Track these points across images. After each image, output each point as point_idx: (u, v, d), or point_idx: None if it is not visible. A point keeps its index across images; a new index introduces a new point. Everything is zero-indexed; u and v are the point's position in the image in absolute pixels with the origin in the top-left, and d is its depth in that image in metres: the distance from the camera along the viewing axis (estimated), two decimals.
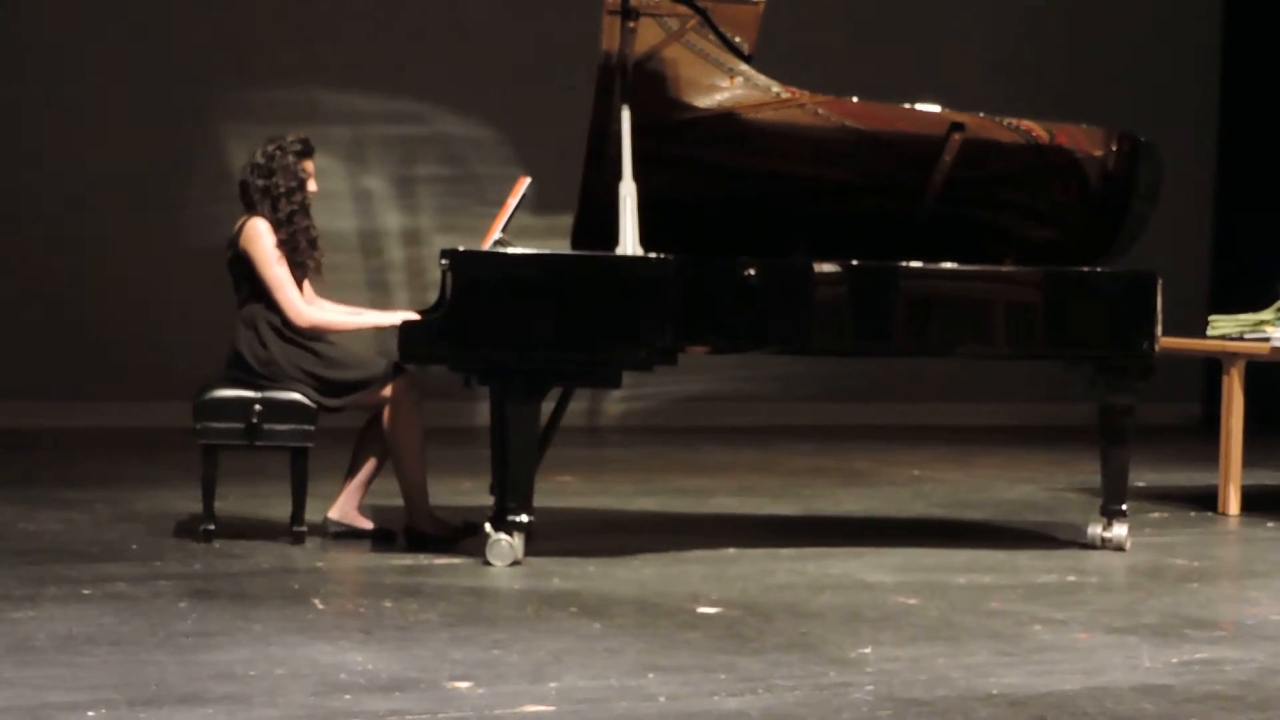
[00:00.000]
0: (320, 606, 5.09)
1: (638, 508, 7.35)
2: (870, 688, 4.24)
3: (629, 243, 5.82)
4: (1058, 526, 6.95)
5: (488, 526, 5.88)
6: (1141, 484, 8.06)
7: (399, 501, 6.20)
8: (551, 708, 4.00)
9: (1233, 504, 7.37)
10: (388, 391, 6.04)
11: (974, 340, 6.26)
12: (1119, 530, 6.37)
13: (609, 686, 4.20)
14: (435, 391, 6.76)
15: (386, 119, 10.56)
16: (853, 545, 6.35)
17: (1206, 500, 7.58)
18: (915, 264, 6.12)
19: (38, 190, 9.93)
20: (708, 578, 5.66)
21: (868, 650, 4.64)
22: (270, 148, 6.15)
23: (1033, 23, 11.93)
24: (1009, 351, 6.36)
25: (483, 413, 7.43)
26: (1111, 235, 6.46)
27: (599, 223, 6.08)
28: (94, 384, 9.93)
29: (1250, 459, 7.61)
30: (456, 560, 5.86)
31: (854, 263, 6.04)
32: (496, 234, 6.09)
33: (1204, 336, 7.50)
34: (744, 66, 6.08)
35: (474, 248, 5.98)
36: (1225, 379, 7.35)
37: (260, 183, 6.10)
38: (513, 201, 6.15)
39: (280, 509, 6.28)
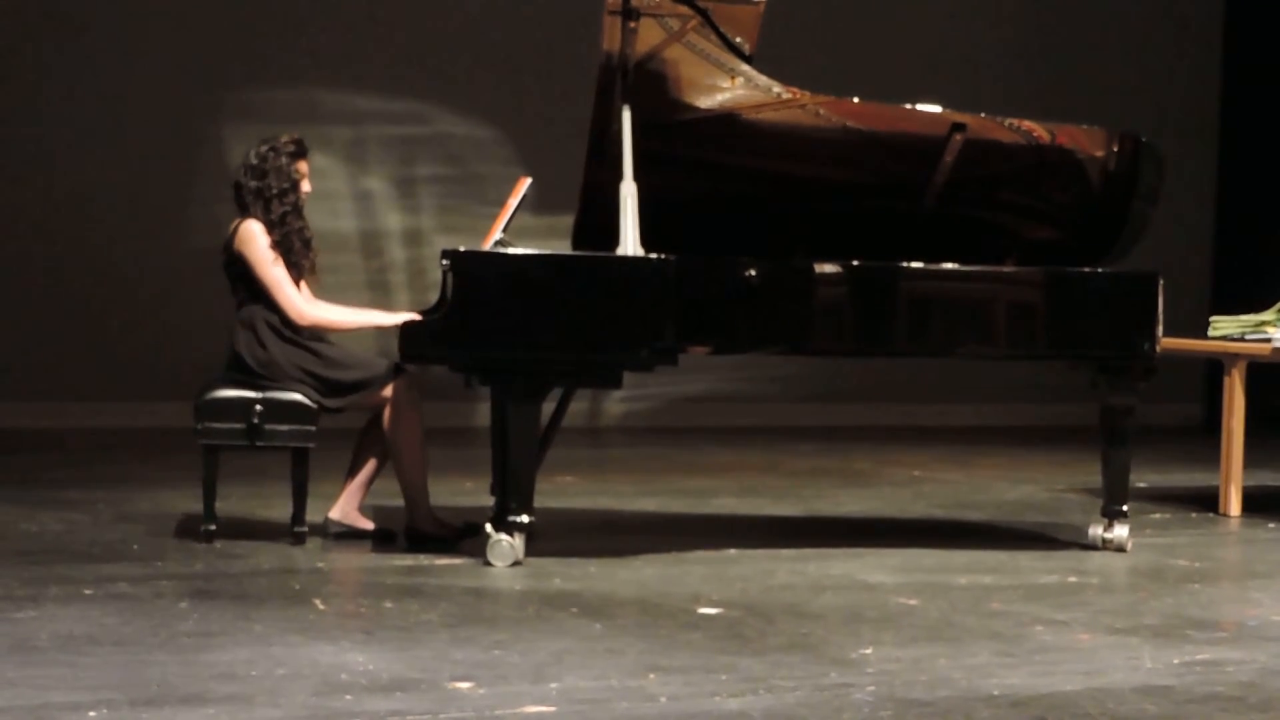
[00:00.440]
0: (321, 607, 5.09)
1: (639, 508, 7.35)
2: (871, 688, 4.24)
3: (630, 243, 5.82)
4: (1059, 527, 6.95)
5: (488, 527, 5.88)
6: (1143, 485, 8.06)
7: (400, 502, 6.20)
8: (552, 708, 4.00)
9: (1234, 505, 7.37)
10: (388, 392, 6.04)
11: (975, 341, 6.26)
12: (1120, 531, 6.37)
13: (610, 687, 4.20)
14: (436, 392, 6.76)
15: (387, 119, 10.56)
16: (854, 546, 6.35)
17: (1208, 501, 7.58)
18: (916, 264, 6.12)
19: (40, 191, 9.94)
20: (709, 578, 5.66)
21: (869, 651, 4.64)
22: (263, 149, 6.14)
23: (1034, 23, 11.94)
24: (1010, 352, 6.36)
25: (483, 413, 7.44)
26: (1113, 236, 6.46)
27: (600, 223, 6.08)
28: (95, 384, 9.94)
29: (1251, 460, 7.61)
30: (457, 561, 5.86)
31: (855, 263, 6.04)
32: (497, 234, 6.08)
33: (1205, 337, 7.50)
34: (745, 67, 6.07)
35: (475, 248, 5.98)
36: (1226, 380, 7.35)
37: (253, 184, 6.10)
38: (513, 202, 6.15)
39: (281, 509, 6.28)
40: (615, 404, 10.99)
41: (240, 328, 6.07)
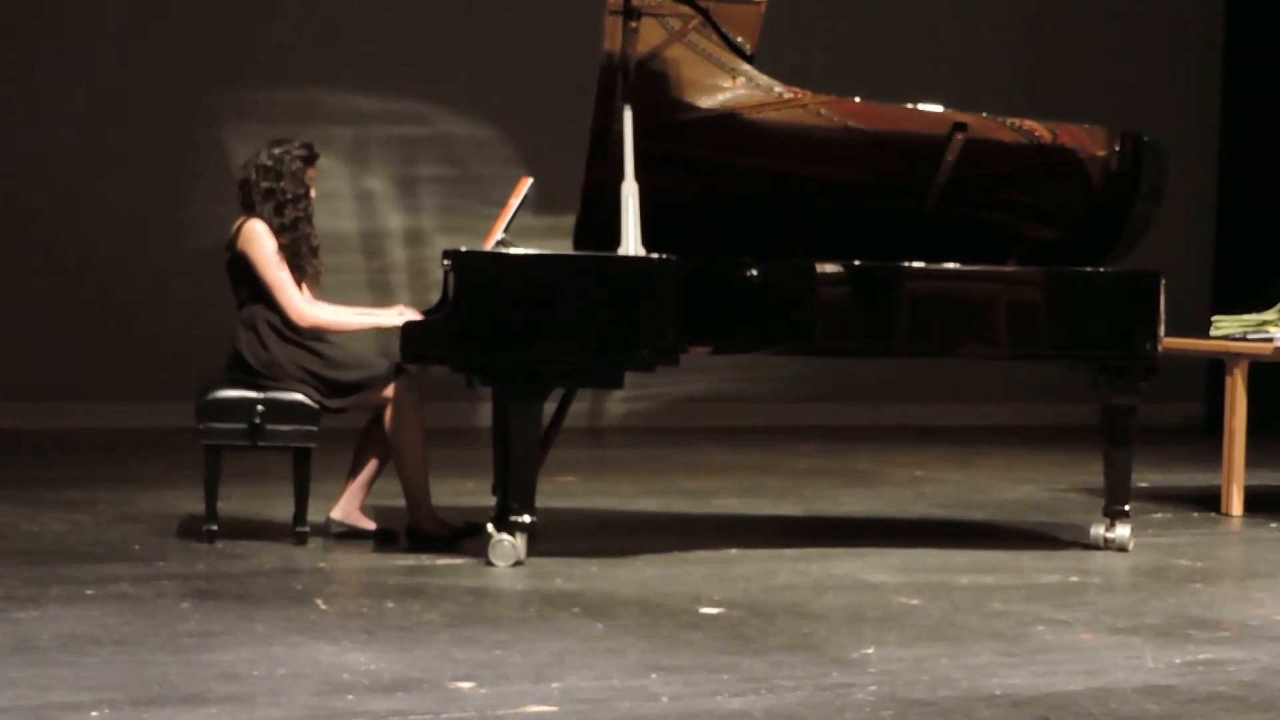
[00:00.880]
0: (323, 607, 5.09)
1: (640, 508, 7.35)
2: (873, 688, 4.23)
3: (631, 243, 5.81)
4: (1060, 527, 6.95)
5: (490, 527, 5.88)
6: (1144, 484, 8.06)
7: (401, 502, 6.20)
8: (554, 708, 3.99)
9: (1236, 505, 7.37)
10: (389, 392, 6.04)
11: (976, 340, 6.26)
12: (1122, 531, 6.37)
13: (611, 687, 4.20)
14: (437, 392, 6.77)
15: (388, 119, 10.56)
16: (855, 546, 6.35)
17: (1209, 501, 7.58)
18: (918, 264, 6.12)
19: (40, 191, 9.93)
20: (710, 578, 5.66)
21: (870, 651, 4.64)
22: (278, 150, 6.13)
23: (1035, 23, 11.94)
24: (1011, 352, 6.35)
25: (485, 413, 7.44)
26: (1115, 235, 6.46)
27: (601, 223, 6.08)
28: (96, 384, 9.93)
29: (1253, 459, 7.60)
30: (459, 561, 5.86)
31: (856, 263, 6.04)
32: (499, 234, 6.08)
33: (1207, 337, 7.50)
34: (746, 66, 6.07)
35: (476, 248, 5.98)
36: (1228, 379, 7.35)
37: (265, 185, 6.09)
38: (515, 202, 6.15)
39: (283, 509, 6.28)
40: (617, 404, 10.98)
41: (242, 328, 6.07)
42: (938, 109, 6.33)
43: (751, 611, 5.12)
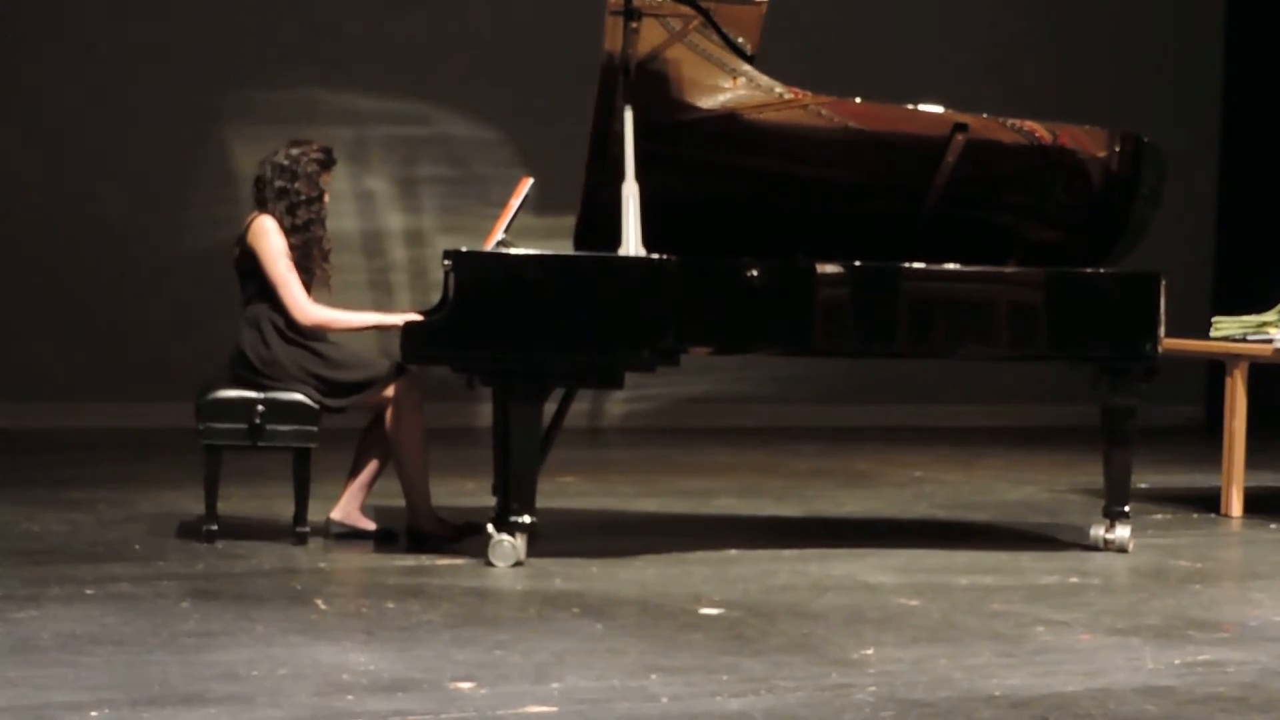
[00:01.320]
0: (323, 607, 5.09)
1: (640, 509, 7.35)
2: (872, 689, 4.24)
3: (631, 243, 5.82)
4: (1060, 528, 6.95)
5: (490, 527, 5.88)
6: (1144, 485, 8.06)
7: (401, 502, 6.20)
8: (554, 708, 4.00)
9: (1235, 506, 7.37)
10: (390, 392, 6.04)
11: (976, 341, 6.26)
12: (1121, 532, 6.37)
13: (611, 687, 4.20)
14: (437, 392, 6.76)
15: (389, 120, 10.56)
16: (855, 546, 6.35)
17: (1209, 502, 7.58)
18: (918, 265, 6.12)
19: (40, 191, 9.94)
20: (710, 579, 5.66)
21: (870, 651, 4.64)
22: (295, 151, 6.13)
23: (1034, 23, 11.93)
24: (1011, 353, 6.36)
25: (485, 413, 7.44)
26: (1115, 236, 6.46)
27: (601, 223, 6.08)
28: (97, 384, 9.93)
29: (1253, 461, 7.61)
30: (459, 561, 5.86)
31: (856, 263, 6.04)
32: (499, 235, 6.09)
33: (1207, 338, 7.50)
34: (746, 67, 6.07)
35: (476, 248, 5.98)
36: (1228, 380, 7.35)
37: (279, 184, 6.09)
38: (515, 202, 6.15)
39: (283, 509, 6.28)
40: (617, 405, 10.98)
41: (246, 325, 6.07)
42: (938, 110, 6.33)
43: (751, 612, 5.12)
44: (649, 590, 5.44)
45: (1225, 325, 7.45)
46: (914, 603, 5.35)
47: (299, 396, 5.98)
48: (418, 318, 5.93)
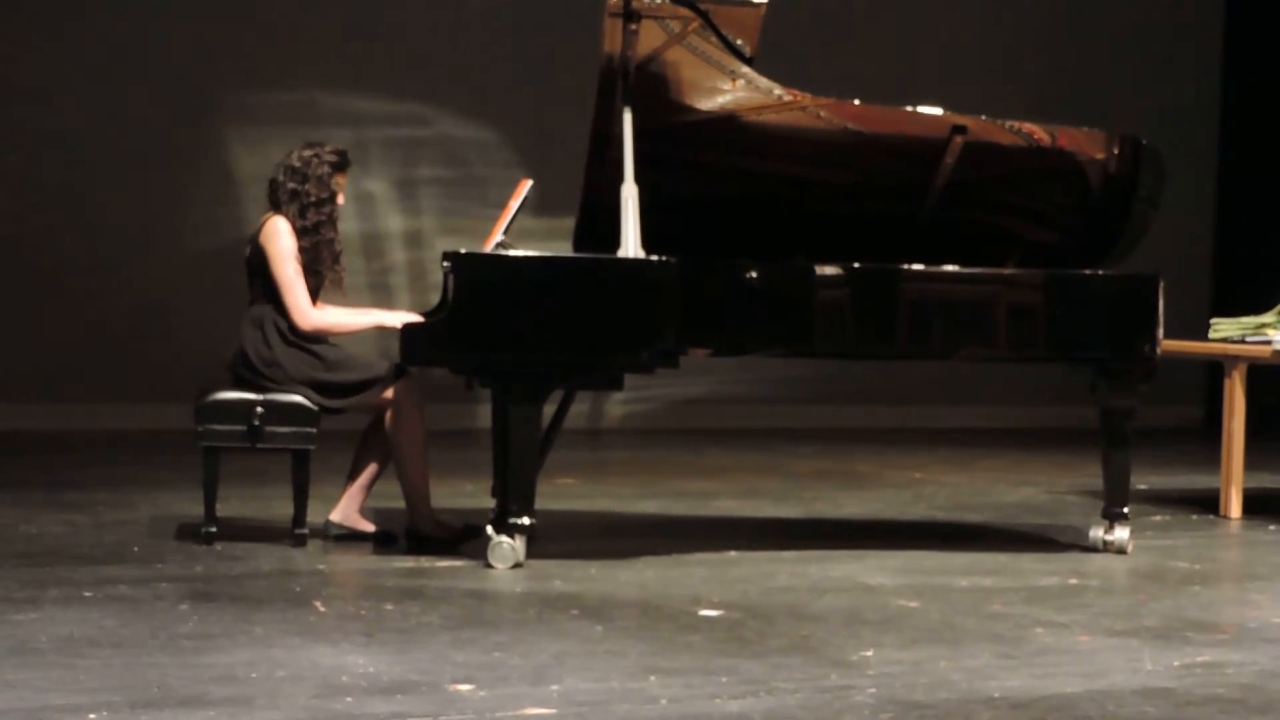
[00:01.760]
0: (322, 609, 5.09)
1: (639, 510, 7.35)
2: (872, 690, 4.24)
3: (631, 245, 5.81)
4: (1059, 529, 6.95)
5: (489, 529, 5.88)
6: (1143, 487, 8.06)
7: (400, 504, 6.20)
8: (553, 710, 3.99)
9: (1234, 507, 7.37)
10: (390, 393, 6.04)
11: (975, 343, 6.26)
12: (1120, 533, 6.37)
13: (610, 689, 4.20)
14: (437, 393, 6.76)
15: (388, 121, 10.56)
16: (854, 548, 6.35)
17: (1208, 503, 7.58)
18: (917, 266, 6.12)
19: (40, 192, 9.94)
20: (709, 580, 5.66)
21: (869, 653, 4.64)
22: (308, 153, 6.14)
23: (1034, 25, 11.94)
24: (1010, 354, 6.36)
25: (484, 415, 7.44)
26: (1113, 238, 6.46)
27: (601, 225, 6.08)
28: (95, 386, 9.94)
29: (1251, 462, 7.61)
30: (458, 563, 5.86)
31: (855, 265, 6.04)
32: (498, 236, 6.09)
33: (1205, 339, 7.50)
34: (745, 69, 6.07)
35: (476, 250, 5.98)
36: (1227, 382, 7.35)
37: (291, 185, 6.09)
38: (514, 204, 6.15)
39: (282, 511, 6.28)
40: (616, 406, 10.99)
41: (250, 325, 6.06)
42: (937, 112, 6.33)
43: (750, 614, 5.12)
44: (648, 592, 5.44)
45: (1224, 327, 7.45)
46: (913, 604, 5.35)
47: (298, 398, 5.97)
48: (417, 318, 5.93)
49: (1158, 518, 7.37)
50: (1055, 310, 6.21)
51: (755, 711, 4.02)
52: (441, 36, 10.63)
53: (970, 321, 6.19)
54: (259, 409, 5.95)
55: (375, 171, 10.55)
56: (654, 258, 5.82)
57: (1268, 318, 7.33)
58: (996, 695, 4.22)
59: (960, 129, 6.29)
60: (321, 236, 6.09)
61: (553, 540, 6.21)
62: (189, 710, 3.90)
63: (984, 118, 6.36)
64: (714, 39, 5.98)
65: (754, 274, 5.91)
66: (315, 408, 5.98)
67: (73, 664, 4.28)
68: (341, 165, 6.19)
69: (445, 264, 5.86)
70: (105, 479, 7.76)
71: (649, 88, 6.05)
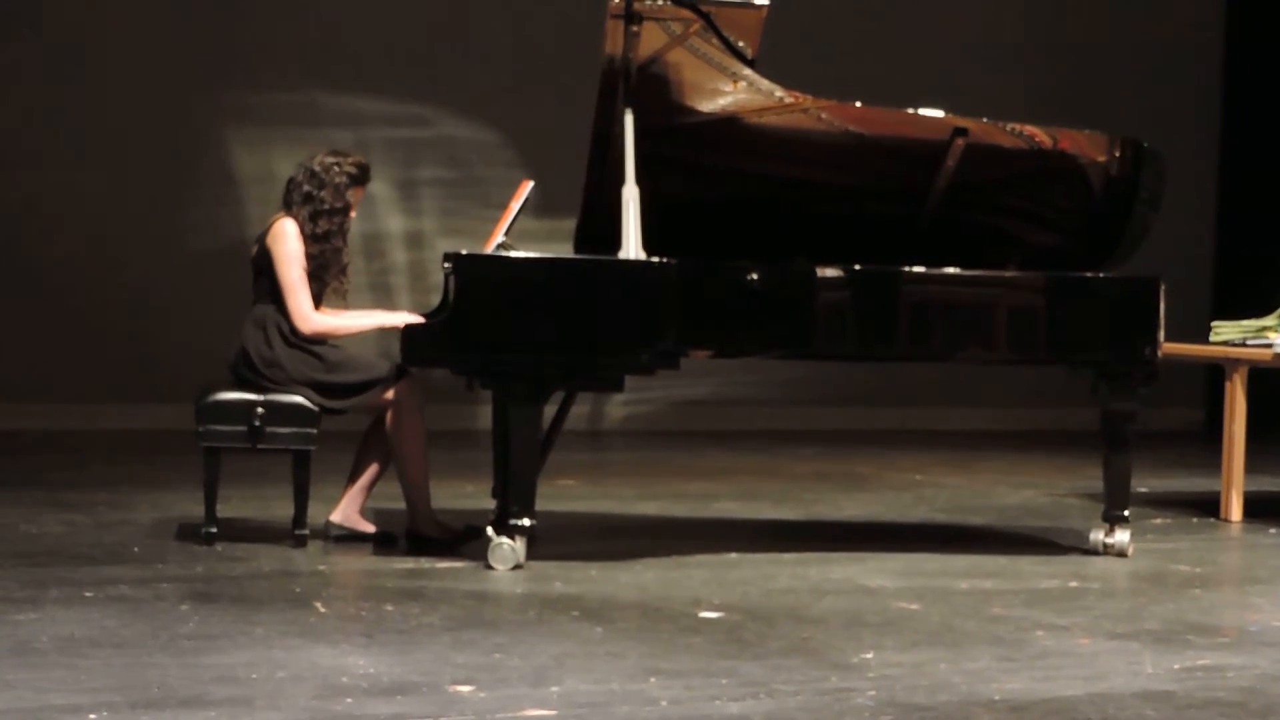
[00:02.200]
0: (322, 610, 5.09)
1: (640, 512, 7.35)
2: (872, 693, 4.23)
3: (631, 246, 5.81)
4: (1060, 532, 6.95)
5: (490, 530, 5.88)
6: (1144, 490, 8.06)
7: (401, 505, 6.20)
8: (553, 712, 3.99)
9: (1235, 510, 7.37)
10: (390, 394, 6.04)
11: (976, 345, 6.26)
12: (1121, 536, 6.37)
13: (610, 690, 4.20)
14: (438, 394, 6.77)
15: (389, 122, 10.56)
16: (854, 550, 6.35)
17: (1209, 506, 7.58)
18: (918, 269, 6.12)
19: (41, 192, 9.94)
20: (709, 582, 5.66)
21: (869, 655, 4.64)
22: (330, 160, 6.14)
23: (1034, 26, 11.94)
24: (1011, 357, 6.36)
25: (485, 416, 7.44)
26: (1114, 241, 6.46)
27: (602, 226, 6.08)
28: (96, 386, 9.93)
29: (1252, 465, 7.61)
30: (458, 564, 5.85)
31: (856, 267, 6.04)
32: (499, 237, 6.09)
33: (1206, 342, 7.50)
34: (747, 71, 6.07)
35: (477, 251, 5.98)
36: (1228, 385, 7.35)
37: (306, 189, 6.09)
38: (516, 205, 6.15)
39: (282, 512, 6.28)
40: (616, 407, 10.98)
41: (252, 325, 6.06)
42: (938, 114, 6.33)
43: (751, 616, 5.12)
44: (648, 593, 5.44)
45: (1225, 330, 7.45)
46: (914, 606, 5.34)
47: (298, 399, 5.97)
48: (418, 319, 5.93)
49: (1158, 521, 7.37)
50: (1056, 313, 6.21)
51: (755, 713, 4.02)
52: (443, 37, 10.62)
53: (971, 324, 6.20)
54: (260, 409, 5.95)
55: (376, 172, 10.35)
56: (655, 259, 5.82)
57: (1269, 321, 7.33)
58: (997, 698, 4.22)
59: (961, 131, 6.28)
60: (330, 246, 6.09)
61: (553, 542, 6.21)
62: (189, 710, 3.90)
63: (985, 120, 6.36)
64: (715, 41, 5.98)
65: (755, 275, 5.91)
66: (316, 408, 5.98)
67: (73, 664, 4.28)
68: (360, 179, 6.19)
69: (446, 265, 5.86)
70: (105, 479, 7.76)
71: (650, 89, 6.05)
